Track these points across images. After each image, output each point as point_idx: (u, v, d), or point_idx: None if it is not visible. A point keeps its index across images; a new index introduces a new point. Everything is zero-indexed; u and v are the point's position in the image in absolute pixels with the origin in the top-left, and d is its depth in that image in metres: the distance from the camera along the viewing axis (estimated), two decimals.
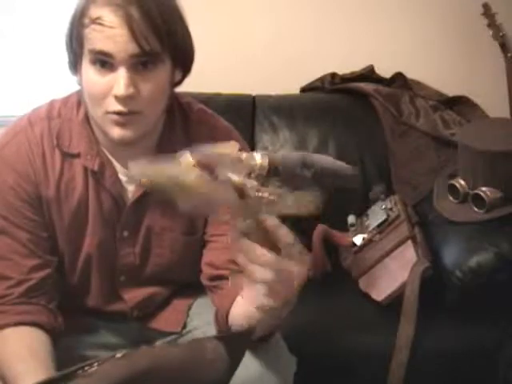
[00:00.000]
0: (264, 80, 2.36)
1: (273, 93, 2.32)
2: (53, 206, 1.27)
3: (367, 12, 2.41)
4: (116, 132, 1.18)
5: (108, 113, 1.17)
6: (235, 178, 0.85)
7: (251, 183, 0.86)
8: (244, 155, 0.87)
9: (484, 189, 1.86)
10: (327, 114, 2.27)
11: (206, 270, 1.30)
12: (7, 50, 2.33)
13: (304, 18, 2.40)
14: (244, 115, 2.22)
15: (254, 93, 2.31)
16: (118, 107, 1.16)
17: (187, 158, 0.85)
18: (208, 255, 1.31)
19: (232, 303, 1.15)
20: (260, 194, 0.86)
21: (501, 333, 1.74)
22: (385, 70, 2.39)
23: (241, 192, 0.85)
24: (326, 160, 0.93)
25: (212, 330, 1.25)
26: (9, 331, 1.21)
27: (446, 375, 1.73)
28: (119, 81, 1.14)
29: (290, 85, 2.38)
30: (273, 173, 0.88)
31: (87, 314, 1.37)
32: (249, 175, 0.86)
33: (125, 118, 1.17)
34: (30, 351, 1.19)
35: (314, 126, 2.23)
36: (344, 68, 2.39)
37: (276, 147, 2.21)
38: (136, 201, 1.29)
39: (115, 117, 1.17)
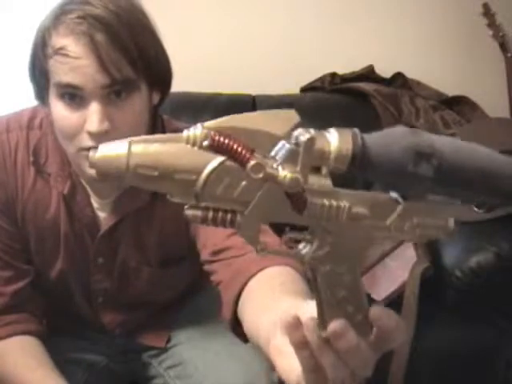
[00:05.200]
0: (264, 80, 2.36)
1: (273, 93, 2.32)
2: (26, 218, 1.19)
3: (367, 12, 2.41)
4: (92, 171, 1.11)
5: (82, 150, 1.05)
6: (285, 173, 0.50)
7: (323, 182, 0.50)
8: (310, 134, 0.54)
9: None
10: (327, 113, 2.27)
11: (205, 251, 1.12)
12: (6, 50, 2.32)
13: (304, 18, 2.40)
14: None
15: (254, 93, 2.31)
16: (93, 144, 1.01)
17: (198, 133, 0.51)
18: (201, 238, 1.14)
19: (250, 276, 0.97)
20: (336, 203, 0.50)
21: (500, 333, 1.74)
22: (385, 70, 2.39)
23: (298, 198, 0.51)
24: (461, 147, 0.52)
25: (196, 344, 1.23)
26: (4, 343, 1.19)
27: (446, 375, 1.73)
28: (92, 116, 1.02)
29: (290, 85, 2.37)
30: (360, 168, 0.51)
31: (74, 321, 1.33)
32: (316, 170, 0.53)
33: None
34: (36, 360, 1.17)
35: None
36: (344, 68, 2.38)
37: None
38: (108, 230, 1.19)
39: None
